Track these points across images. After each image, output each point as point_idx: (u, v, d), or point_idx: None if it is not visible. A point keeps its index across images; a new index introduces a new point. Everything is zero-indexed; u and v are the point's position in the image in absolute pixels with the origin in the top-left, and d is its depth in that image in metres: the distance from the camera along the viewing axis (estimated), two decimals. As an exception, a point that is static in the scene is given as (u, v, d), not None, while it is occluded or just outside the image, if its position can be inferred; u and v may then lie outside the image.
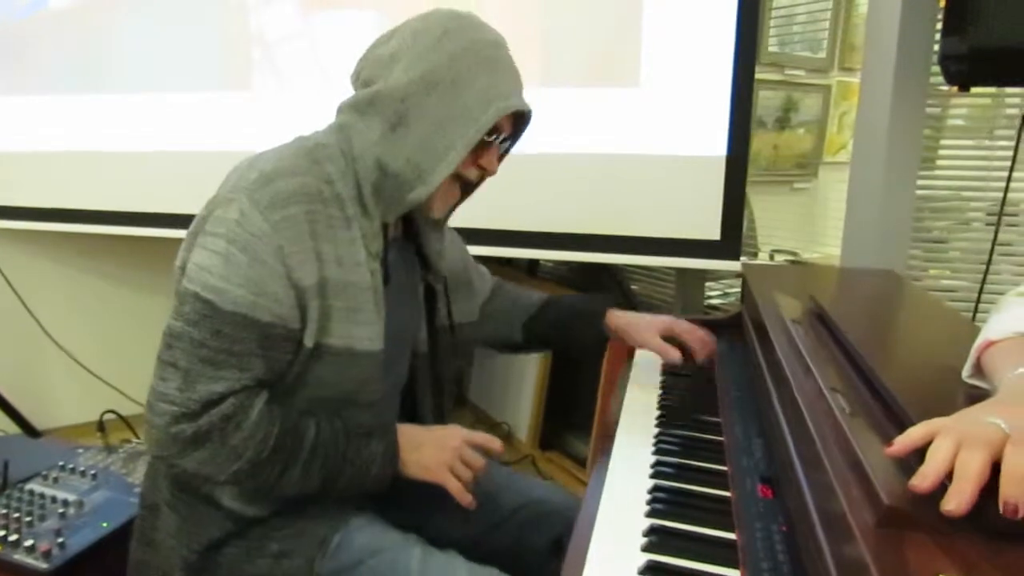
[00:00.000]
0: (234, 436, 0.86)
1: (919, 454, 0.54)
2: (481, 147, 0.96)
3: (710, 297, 2.26)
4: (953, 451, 0.52)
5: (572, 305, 1.27)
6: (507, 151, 1.04)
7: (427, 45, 0.91)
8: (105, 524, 1.21)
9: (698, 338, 1.22)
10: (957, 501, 0.49)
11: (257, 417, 0.87)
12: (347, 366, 0.93)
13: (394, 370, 1.05)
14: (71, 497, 1.27)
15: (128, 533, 1.10)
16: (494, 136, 0.96)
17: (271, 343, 0.88)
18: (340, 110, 0.97)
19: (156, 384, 0.87)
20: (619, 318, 1.24)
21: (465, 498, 0.96)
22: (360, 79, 0.96)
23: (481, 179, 1.02)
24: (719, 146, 1.70)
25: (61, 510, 1.23)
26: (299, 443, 0.90)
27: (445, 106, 0.90)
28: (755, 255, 2.41)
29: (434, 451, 0.97)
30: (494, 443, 1.01)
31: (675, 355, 1.17)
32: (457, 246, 1.20)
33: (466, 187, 1.03)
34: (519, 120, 1.02)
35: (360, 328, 0.93)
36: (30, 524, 1.19)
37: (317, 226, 0.89)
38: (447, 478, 0.96)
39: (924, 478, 0.52)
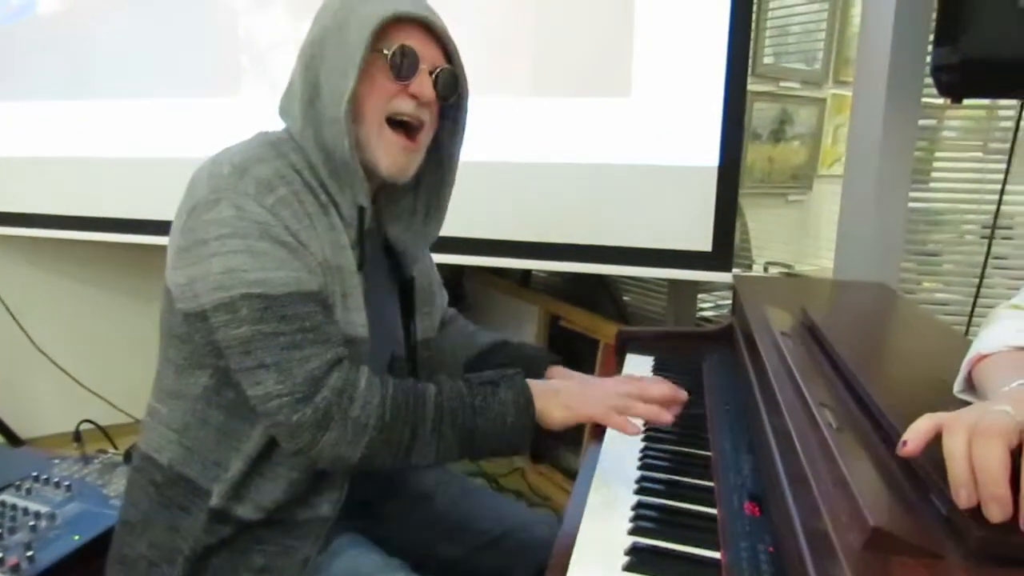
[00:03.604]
0: (352, 408, 0.85)
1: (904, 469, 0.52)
2: (397, 72, 0.91)
3: (702, 309, 2.25)
4: (967, 445, 0.49)
5: (520, 352, 1.19)
6: (450, 82, 0.96)
7: (317, 15, 0.93)
8: (77, 537, 1.18)
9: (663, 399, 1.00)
10: (999, 509, 0.47)
11: (366, 385, 0.87)
12: None
13: (375, 366, 1.03)
14: (43, 509, 1.24)
15: (101, 546, 1.08)
16: (395, 48, 0.90)
17: (330, 309, 0.89)
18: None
19: (254, 391, 0.85)
20: (565, 375, 1.10)
21: (632, 429, 0.89)
22: None
23: (452, 149, 1.00)
24: (711, 156, 1.68)
25: (32, 522, 1.20)
26: (421, 402, 0.88)
27: (338, 50, 0.90)
28: (750, 267, 2.39)
29: (581, 392, 0.92)
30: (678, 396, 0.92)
31: (633, 430, 0.96)
32: (426, 259, 1.18)
33: (436, 145, 1.00)
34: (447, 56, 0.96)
35: (351, 313, 0.92)
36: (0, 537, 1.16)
37: (306, 206, 0.89)
38: (606, 413, 0.89)
39: (960, 490, 0.49)
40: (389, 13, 0.90)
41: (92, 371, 2.53)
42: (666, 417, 0.90)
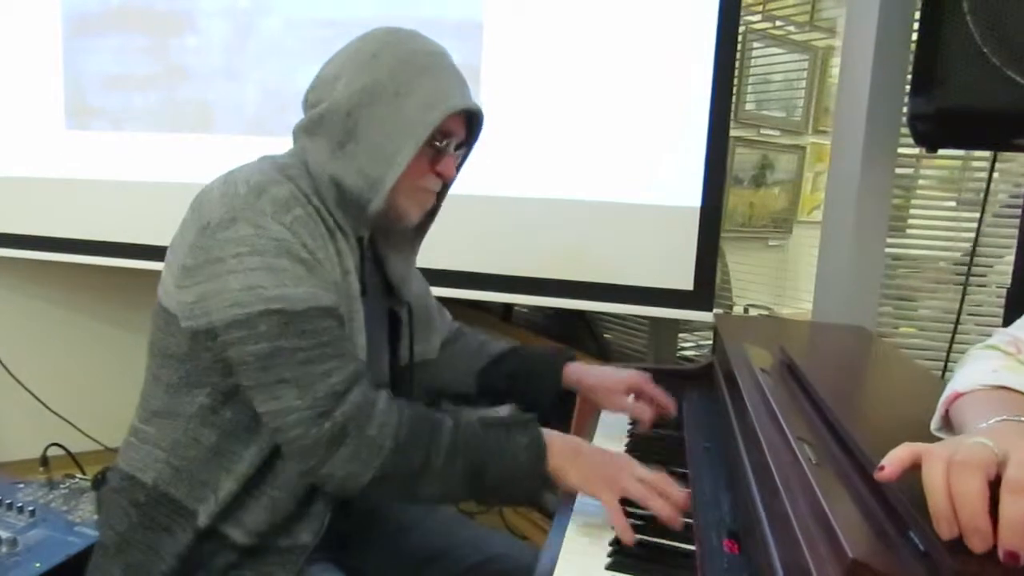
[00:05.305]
0: (369, 426, 0.84)
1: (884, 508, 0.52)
2: (436, 153, 0.97)
3: (683, 349, 2.25)
4: (946, 476, 0.49)
5: (533, 355, 1.19)
6: (465, 157, 1.05)
7: (365, 60, 0.93)
8: (38, 564, 1.14)
9: (664, 400, 1.16)
10: (980, 540, 0.47)
11: (384, 405, 0.87)
12: None
13: None
14: (4, 535, 1.20)
15: (64, 574, 1.04)
16: (445, 141, 0.97)
17: (346, 325, 0.91)
18: (294, 134, 0.98)
19: (270, 406, 0.85)
20: (584, 374, 1.15)
21: (628, 537, 0.83)
22: (308, 103, 0.97)
23: (444, 188, 1.03)
24: (694, 197, 1.71)
25: (-8, 548, 1.16)
26: (437, 431, 0.87)
27: (390, 115, 0.91)
28: (730, 309, 2.41)
29: (602, 465, 0.88)
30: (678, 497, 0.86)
31: (648, 416, 1.11)
32: (421, 282, 1.19)
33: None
34: (472, 127, 1.02)
35: (353, 336, 0.94)
36: (-43, 563, 1.13)
37: (319, 228, 0.91)
38: (610, 499, 0.85)
39: (941, 523, 0.49)
40: (453, 108, 0.94)
41: (62, 396, 2.47)
42: (675, 524, 0.84)
